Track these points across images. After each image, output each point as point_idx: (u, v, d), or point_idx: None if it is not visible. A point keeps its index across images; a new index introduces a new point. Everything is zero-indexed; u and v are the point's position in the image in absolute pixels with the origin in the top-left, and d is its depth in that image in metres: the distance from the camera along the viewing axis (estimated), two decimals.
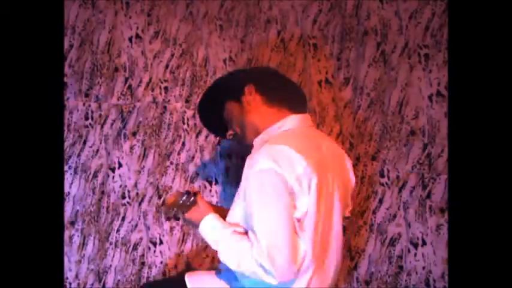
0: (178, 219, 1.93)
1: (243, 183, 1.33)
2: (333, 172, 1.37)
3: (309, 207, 1.27)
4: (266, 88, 1.46)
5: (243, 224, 1.33)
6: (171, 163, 2.01)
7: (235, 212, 1.36)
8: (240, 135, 1.50)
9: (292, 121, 1.42)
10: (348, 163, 1.53)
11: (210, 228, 1.35)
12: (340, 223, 1.41)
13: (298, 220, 1.26)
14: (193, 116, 2.00)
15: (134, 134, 2.04)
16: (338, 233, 1.40)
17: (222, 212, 1.44)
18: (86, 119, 2.05)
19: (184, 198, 1.42)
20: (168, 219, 2.00)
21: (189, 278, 1.47)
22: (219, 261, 1.41)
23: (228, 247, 1.29)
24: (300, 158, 1.26)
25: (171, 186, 2.00)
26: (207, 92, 1.61)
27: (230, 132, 1.57)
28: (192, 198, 1.41)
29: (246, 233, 1.30)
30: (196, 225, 1.39)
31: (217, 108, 1.55)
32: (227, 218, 1.38)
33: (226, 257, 1.30)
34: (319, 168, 1.29)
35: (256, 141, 1.43)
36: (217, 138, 1.98)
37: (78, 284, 2.01)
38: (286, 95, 1.48)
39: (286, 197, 1.24)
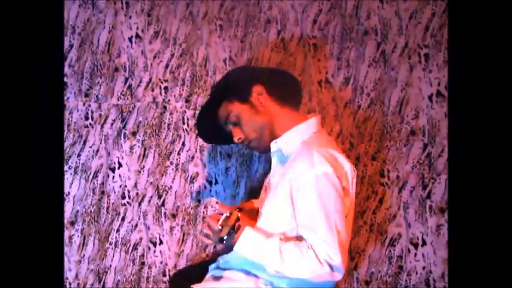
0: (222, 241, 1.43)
1: (288, 186, 1.33)
2: None
3: (350, 208, 1.39)
4: (274, 87, 1.45)
5: (288, 227, 1.34)
6: (171, 163, 2.01)
7: (278, 215, 1.36)
8: (257, 139, 1.46)
9: (315, 123, 1.46)
10: None
11: (252, 243, 1.32)
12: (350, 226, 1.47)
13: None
14: (194, 116, 2.00)
15: (134, 134, 2.04)
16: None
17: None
18: (86, 119, 2.05)
19: (227, 221, 1.31)
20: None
21: None
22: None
23: (286, 255, 1.28)
24: (345, 160, 1.36)
25: (171, 186, 2.00)
26: (211, 98, 1.58)
27: (239, 137, 1.48)
28: (237, 222, 1.32)
29: (286, 237, 1.33)
30: (231, 244, 1.34)
31: (217, 113, 1.51)
32: (264, 222, 1.38)
33: (286, 266, 1.28)
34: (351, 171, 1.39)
35: (283, 144, 1.42)
36: None
37: (78, 284, 2.01)
38: (292, 93, 1.48)
39: (343, 198, 1.31)
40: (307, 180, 1.29)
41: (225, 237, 1.32)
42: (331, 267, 1.24)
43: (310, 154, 1.31)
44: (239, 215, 1.34)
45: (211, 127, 1.56)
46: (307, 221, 1.29)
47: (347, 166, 1.36)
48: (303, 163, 1.31)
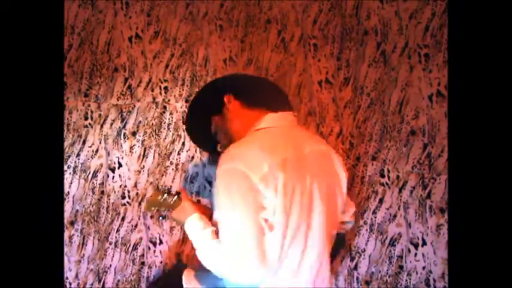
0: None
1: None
2: (313, 171, 1.33)
3: (276, 206, 1.23)
4: (243, 92, 1.46)
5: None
6: (171, 163, 2.01)
7: (216, 213, 1.35)
8: (228, 144, 1.43)
9: (268, 120, 1.39)
10: (337, 161, 1.46)
11: (193, 228, 1.36)
12: (323, 223, 1.33)
13: (266, 220, 1.22)
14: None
15: (134, 133, 2.04)
16: (319, 234, 1.33)
17: (207, 210, 1.45)
18: (86, 118, 2.05)
19: (165, 196, 1.48)
20: (152, 217, 2.02)
21: (185, 278, 1.47)
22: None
23: (202, 247, 1.30)
24: (265, 157, 1.24)
25: (171, 186, 2.00)
26: (190, 113, 1.61)
27: (219, 146, 1.56)
28: (175, 197, 1.45)
29: None
30: (182, 225, 1.42)
31: (205, 126, 1.56)
32: (213, 218, 1.37)
33: (201, 257, 1.30)
34: (289, 166, 1.26)
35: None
36: None
37: (78, 284, 2.01)
38: (264, 96, 1.48)
39: (251, 196, 1.21)
40: (217, 174, 1.27)
41: (162, 201, 1.51)
42: (229, 269, 1.21)
43: (227, 150, 1.30)
44: (183, 193, 1.48)
45: (202, 137, 1.63)
46: (217, 217, 1.28)
47: (267, 165, 1.23)
48: (220, 159, 1.30)
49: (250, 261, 1.19)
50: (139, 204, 2.01)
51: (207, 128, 1.55)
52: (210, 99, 1.50)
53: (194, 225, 1.36)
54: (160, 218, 1.97)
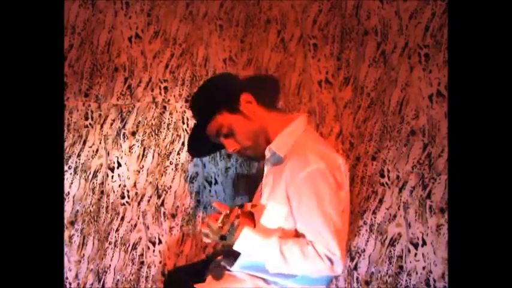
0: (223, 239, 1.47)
1: (284, 185, 1.36)
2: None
3: (346, 201, 1.40)
4: (259, 94, 1.47)
5: (286, 224, 1.36)
6: (171, 163, 2.01)
7: (275, 213, 1.38)
8: (252, 146, 1.47)
9: (302, 122, 1.48)
10: None
11: (252, 242, 1.34)
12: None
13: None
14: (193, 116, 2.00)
15: (134, 133, 2.04)
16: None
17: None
18: (86, 118, 2.05)
19: (227, 219, 1.31)
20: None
21: None
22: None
23: (286, 253, 1.30)
24: (336, 155, 1.40)
25: (170, 186, 2.00)
26: (201, 114, 1.55)
27: (234, 147, 1.48)
28: (237, 220, 1.32)
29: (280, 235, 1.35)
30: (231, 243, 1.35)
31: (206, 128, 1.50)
32: (263, 221, 1.39)
33: (287, 264, 1.31)
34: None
35: (277, 148, 1.42)
36: None
37: (78, 284, 2.00)
38: (275, 97, 1.52)
39: (338, 192, 1.34)
40: (302, 177, 1.31)
41: (226, 236, 1.32)
42: (331, 261, 1.27)
43: (304, 152, 1.34)
44: (239, 211, 1.35)
45: (203, 142, 1.57)
46: (305, 217, 1.32)
47: (339, 160, 1.40)
48: (298, 162, 1.34)
49: (343, 254, 1.29)
50: (139, 204, 2.01)
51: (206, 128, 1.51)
52: (225, 94, 1.48)
53: (251, 239, 1.34)
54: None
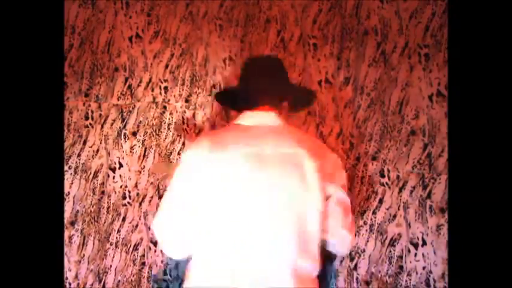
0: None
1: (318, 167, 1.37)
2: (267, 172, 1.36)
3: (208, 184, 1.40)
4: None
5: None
6: (171, 163, 2.01)
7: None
8: None
9: (244, 118, 1.49)
10: (311, 171, 1.38)
11: None
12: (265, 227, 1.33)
13: None
14: (193, 116, 2.00)
15: (134, 133, 2.04)
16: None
17: None
18: (86, 118, 2.05)
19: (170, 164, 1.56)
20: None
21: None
22: None
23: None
24: (206, 143, 1.43)
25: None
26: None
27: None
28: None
29: None
30: None
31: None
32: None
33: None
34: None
35: None
36: None
37: (78, 284, 2.01)
38: (251, 95, 1.55)
39: (183, 178, 1.45)
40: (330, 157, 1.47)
41: None
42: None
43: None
44: None
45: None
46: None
47: (204, 148, 1.41)
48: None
49: (160, 234, 1.49)
50: (140, 204, 2.01)
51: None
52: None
53: None
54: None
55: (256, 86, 1.54)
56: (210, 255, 1.34)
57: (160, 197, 2.00)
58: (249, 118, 1.47)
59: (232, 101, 1.66)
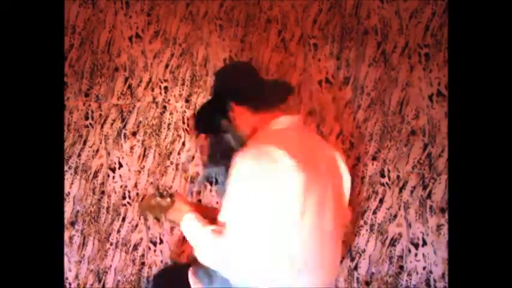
0: (158, 220, 1.84)
1: None
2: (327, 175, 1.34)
3: (290, 202, 1.30)
4: (247, 98, 1.45)
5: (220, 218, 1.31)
6: (171, 163, 2.01)
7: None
8: (238, 146, 1.45)
9: (284, 121, 1.41)
10: (343, 165, 1.45)
11: (189, 228, 1.35)
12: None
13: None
14: (194, 116, 2.00)
15: (134, 133, 2.04)
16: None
17: (205, 210, 1.45)
18: (86, 118, 2.05)
19: (157, 199, 1.43)
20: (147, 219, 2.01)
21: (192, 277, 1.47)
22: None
23: (203, 246, 1.29)
24: (284, 155, 1.23)
25: (171, 186, 2.00)
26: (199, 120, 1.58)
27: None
28: (168, 199, 1.42)
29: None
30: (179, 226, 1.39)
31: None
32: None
33: (199, 256, 1.31)
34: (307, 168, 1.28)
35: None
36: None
37: (78, 284, 2.01)
38: (266, 99, 1.47)
39: (262, 193, 1.27)
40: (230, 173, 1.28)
41: (154, 204, 1.45)
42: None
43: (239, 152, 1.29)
44: (176, 194, 1.45)
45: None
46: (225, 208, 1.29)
47: (284, 161, 1.22)
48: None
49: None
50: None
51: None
52: (214, 110, 1.49)
53: (191, 225, 1.35)
54: (155, 219, 1.93)
55: (269, 88, 1.51)
56: (281, 273, 1.25)
57: (160, 197, 2.00)
58: (287, 122, 1.39)
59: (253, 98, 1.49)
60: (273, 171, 1.21)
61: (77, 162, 2.04)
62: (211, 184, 2.00)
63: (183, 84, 2.03)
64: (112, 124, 2.04)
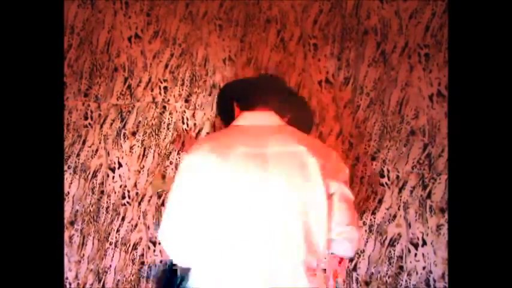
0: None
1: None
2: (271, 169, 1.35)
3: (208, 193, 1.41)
4: (239, 97, 1.57)
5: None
6: (171, 163, 2.01)
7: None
8: None
9: (239, 119, 1.49)
10: (316, 168, 1.36)
11: None
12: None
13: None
14: (193, 116, 2.00)
15: (134, 133, 2.03)
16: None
17: None
18: (86, 118, 2.05)
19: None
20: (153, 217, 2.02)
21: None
22: None
23: None
24: (209, 149, 1.39)
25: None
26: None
27: None
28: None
29: None
30: None
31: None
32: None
33: None
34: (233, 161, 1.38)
35: None
36: None
37: (78, 284, 2.00)
38: (251, 98, 1.54)
39: (183, 186, 1.43)
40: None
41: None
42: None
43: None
44: None
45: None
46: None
47: (204, 151, 1.38)
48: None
49: (167, 244, 1.46)
50: (139, 204, 2.01)
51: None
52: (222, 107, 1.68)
53: None
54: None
55: (256, 86, 1.59)
56: (217, 257, 1.33)
57: (159, 197, 2.00)
58: (248, 118, 1.47)
59: (239, 96, 1.60)
60: (197, 160, 1.37)
61: (76, 162, 2.04)
62: None
63: (182, 84, 2.03)
64: (111, 124, 2.04)
